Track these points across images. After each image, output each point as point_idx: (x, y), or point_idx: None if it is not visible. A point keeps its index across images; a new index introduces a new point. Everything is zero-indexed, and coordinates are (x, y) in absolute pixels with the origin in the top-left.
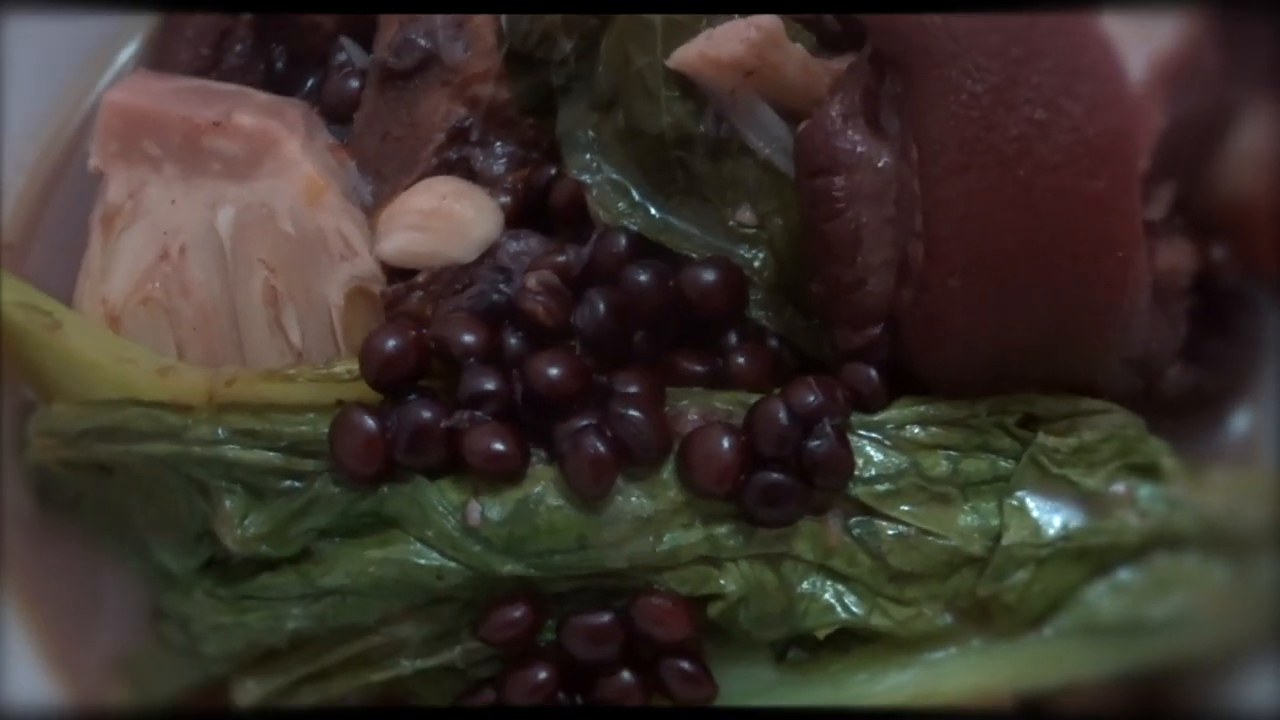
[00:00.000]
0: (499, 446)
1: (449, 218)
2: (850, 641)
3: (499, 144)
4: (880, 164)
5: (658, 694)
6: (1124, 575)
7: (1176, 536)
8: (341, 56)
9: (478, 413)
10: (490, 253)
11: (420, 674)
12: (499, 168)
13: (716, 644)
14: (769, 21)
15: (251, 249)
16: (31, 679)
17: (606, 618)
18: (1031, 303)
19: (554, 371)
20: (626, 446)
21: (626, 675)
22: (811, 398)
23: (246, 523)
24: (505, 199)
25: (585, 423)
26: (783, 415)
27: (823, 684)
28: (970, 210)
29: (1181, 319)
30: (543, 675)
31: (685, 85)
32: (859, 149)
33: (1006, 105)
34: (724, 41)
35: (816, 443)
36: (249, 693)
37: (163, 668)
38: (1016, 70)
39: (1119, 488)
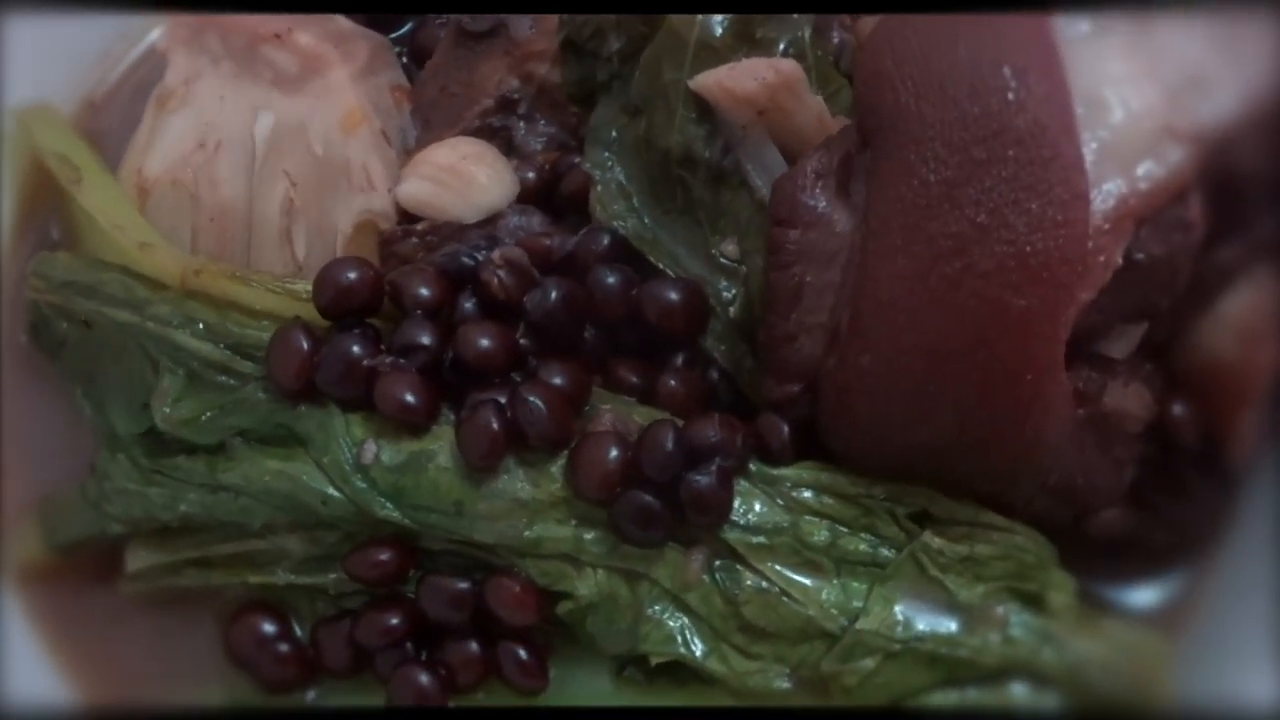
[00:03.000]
0: (408, 397)
1: (462, 177)
2: (689, 677)
3: (542, 123)
4: (838, 229)
5: (495, 674)
6: (973, 694)
7: (1040, 672)
8: None
9: (403, 361)
10: (492, 220)
11: (295, 588)
12: (536, 144)
13: (567, 643)
14: (789, 67)
15: (280, 159)
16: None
17: (464, 585)
18: (938, 403)
19: (484, 342)
20: (521, 430)
21: (473, 645)
22: (711, 434)
23: (178, 404)
24: (530, 175)
25: (492, 397)
26: (670, 442)
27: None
28: (895, 294)
29: (1128, 464)
30: (394, 621)
31: (703, 109)
32: (821, 209)
33: (953, 201)
34: (742, 76)
35: (699, 477)
36: (139, 559)
37: (70, 515)
38: (973, 170)
39: (997, 608)
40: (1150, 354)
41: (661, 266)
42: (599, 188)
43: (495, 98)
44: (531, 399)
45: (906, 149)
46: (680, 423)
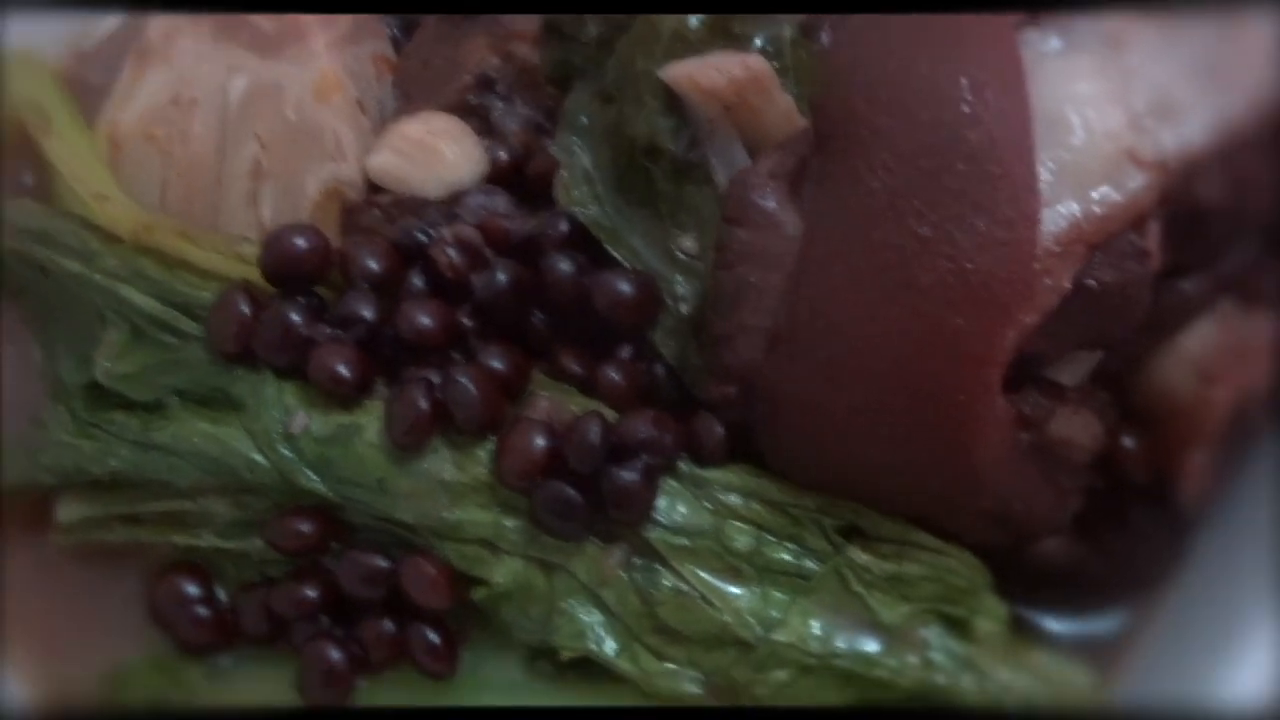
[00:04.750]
0: (341, 369)
1: (429, 152)
2: (601, 674)
3: (520, 104)
4: (788, 231)
5: (405, 655)
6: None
7: (958, 700)
8: None
9: (341, 333)
10: (456, 198)
11: (220, 552)
12: (512, 124)
13: (482, 630)
14: (759, 64)
15: (252, 122)
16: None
17: (381, 563)
18: (869, 417)
19: (424, 320)
20: (448, 411)
21: (387, 624)
22: (641, 430)
23: (120, 359)
24: (503, 155)
25: (423, 376)
26: (595, 435)
27: (558, 703)
28: (832, 303)
29: (1072, 494)
30: (310, 593)
31: (672, 101)
32: (771, 209)
33: (898, 212)
34: (711, 69)
35: (623, 473)
36: (70, 511)
37: (8, 462)
38: (920, 181)
39: (920, 630)
40: (1105, 384)
41: (618, 257)
42: (565, 173)
43: (475, 75)
44: (462, 380)
45: (854, 155)
46: (610, 416)
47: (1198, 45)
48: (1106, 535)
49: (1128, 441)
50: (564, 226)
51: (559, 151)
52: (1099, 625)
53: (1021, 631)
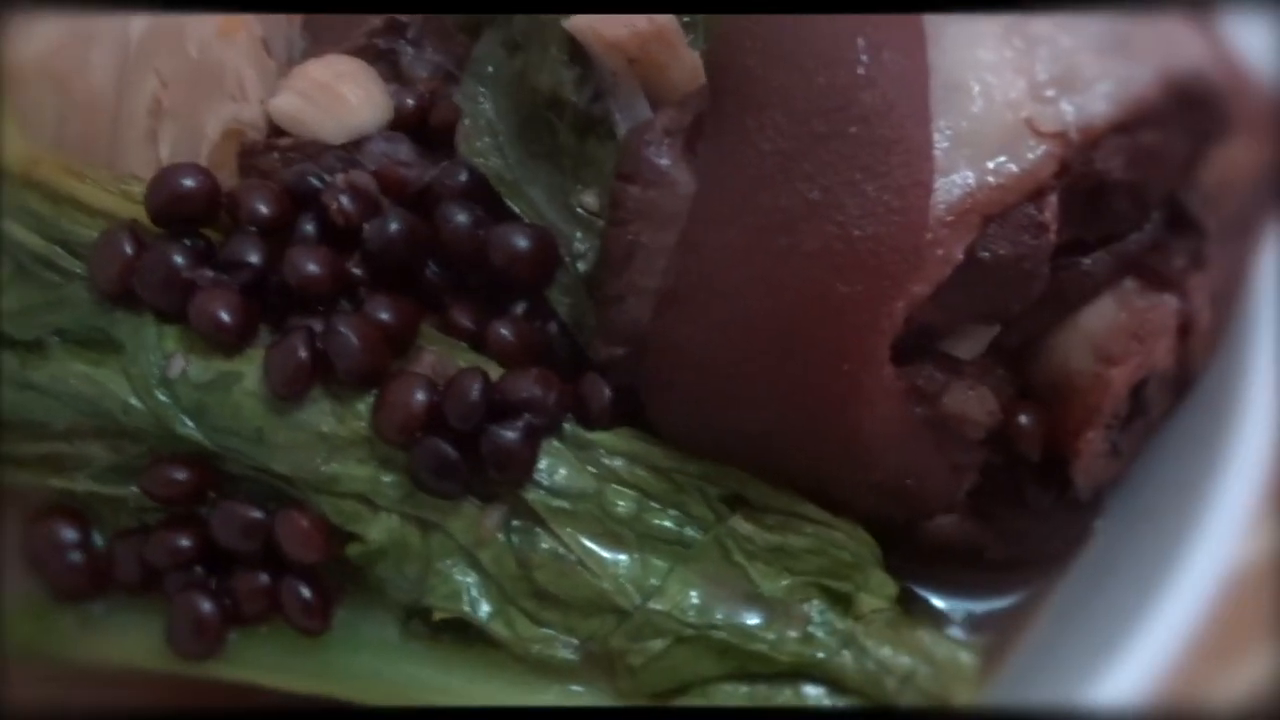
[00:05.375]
0: (222, 315)
1: (331, 96)
2: (476, 638)
3: (430, 50)
4: (681, 190)
5: (278, 610)
6: (764, 690)
7: (837, 677)
8: None
9: (225, 277)
10: (358, 144)
11: (97, 497)
12: (421, 71)
13: (360, 589)
14: (663, 17)
15: (152, 58)
16: None
17: (256, 514)
18: (753, 384)
19: (310, 267)
20: (329, 362)
21: (262, 578)
22: (524, 388)
23: (2, 296)
24: (409, 102)
25: (305, 324)
26: (475, 391)
27: (432, 664)
28: (720, 266)
29: (966, 470)
30: (183, 542)
31: (577, 52)
32: (665, 167)
33: (787, 174)
34: (615, 20)
35: (503, 432)
36: None
37: None
38: (811, 145)
39: (801, 605)
40: (1003, 360)
41: (517, 211)
42: (467, 121)
43: (384, 19)
44: (344, 330)
45: (747, 114)
46: (496, 374)
47: (1109, 16)
48: (1001, 514)
49: (1024, 419)
50: (462, 177)
51: (463, 100)
52: (992, 605)
53: (912, 610)
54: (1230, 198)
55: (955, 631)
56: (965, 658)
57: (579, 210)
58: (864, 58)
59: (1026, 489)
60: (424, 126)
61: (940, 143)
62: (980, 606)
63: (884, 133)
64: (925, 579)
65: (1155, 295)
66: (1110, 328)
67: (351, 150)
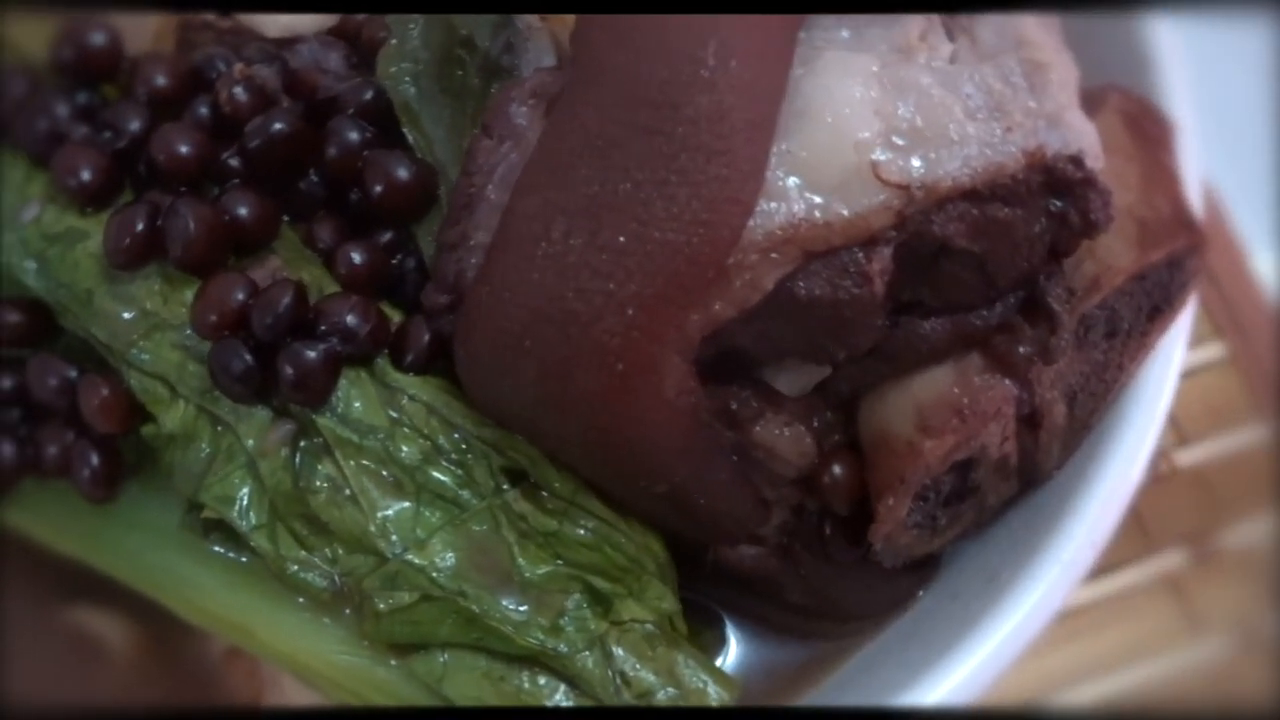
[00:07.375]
0: (83, 173)
1: None
2: (243, 546)
3: None
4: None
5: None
6: (500, 668)
7: (575, 676)
8: None
9: (100, 137)
10: (290, 42)
11: None
12: None
13: (156, 472)
14: None
15: None
16: None
17: (70, 373)
18: (526, 360)
19: (179, 147)
20: (161, 238)
21: (69, 436)
22: (337, 312)
23: None
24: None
25: (149, 199)
26: (285, 304)
27: (193, 558)
28: (521, 235)
29: (775, 505)
30: (3, 383)
31: None
32: (519, 126)
33: (604, 159)
34: None
35: (305, 351)
36: None
37: None
38: (634, 134)
39: (560, 595)
40: (835, 406)
41: (411, 142)
42: (394, 43)
43: None
44: (183, 214)
45: (583, 89)
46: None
47: (992, 78)
48: (808, 560)
49: (836, 469)
50: (367, 95)
51: (395, 22)
52: (793, 651)
53: (696, 632)
54: (1101, 296)
55: (728, 666)
56: (715, 693)
57: None
58: (711, 61)
59: (830, 540)
60: (359, 39)
61: (775, 167)
62: (782, 650)
63: (710, 141)
64: (732, 607)
65: (994, 377)
66: (937, 399)
67: (284, 47)
